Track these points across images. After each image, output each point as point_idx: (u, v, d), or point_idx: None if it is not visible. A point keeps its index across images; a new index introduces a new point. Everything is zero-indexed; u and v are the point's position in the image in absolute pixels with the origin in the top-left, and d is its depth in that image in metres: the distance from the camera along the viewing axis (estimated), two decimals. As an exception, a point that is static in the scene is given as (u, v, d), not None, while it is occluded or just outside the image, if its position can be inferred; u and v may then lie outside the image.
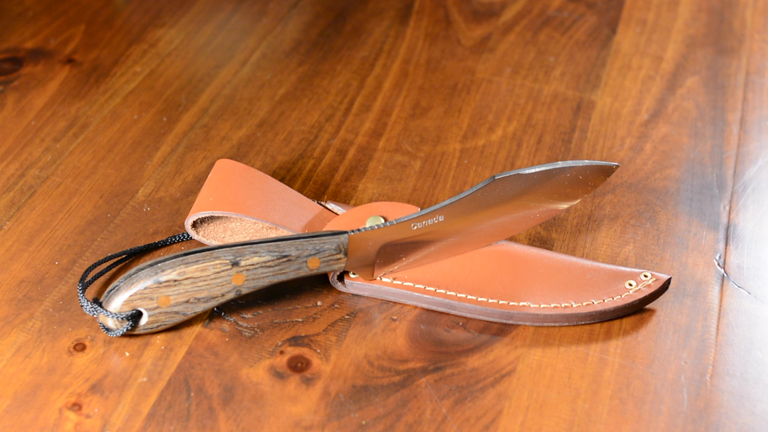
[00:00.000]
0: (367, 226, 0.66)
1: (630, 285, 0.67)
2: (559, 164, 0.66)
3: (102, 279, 0.70)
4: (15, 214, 0.74)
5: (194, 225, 0.70)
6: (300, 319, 0.67)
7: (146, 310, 0.64)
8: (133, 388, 0.62)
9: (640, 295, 0.67)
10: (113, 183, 0.78)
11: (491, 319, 0.67)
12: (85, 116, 0.84)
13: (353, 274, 0.68)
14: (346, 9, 0.99)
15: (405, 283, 0.68)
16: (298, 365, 0.64)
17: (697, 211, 0.76)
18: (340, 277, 0.68)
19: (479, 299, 0.67)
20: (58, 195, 0.76)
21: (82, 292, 0.65)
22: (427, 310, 0.68)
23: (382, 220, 0.68)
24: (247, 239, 0.71)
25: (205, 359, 0.64)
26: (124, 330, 0.64)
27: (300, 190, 0.77)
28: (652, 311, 0.68)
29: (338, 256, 0.65)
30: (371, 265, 0.67)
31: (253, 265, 0.64)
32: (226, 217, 0.71)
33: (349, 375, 0.64)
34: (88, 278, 0.68)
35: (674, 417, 0.62)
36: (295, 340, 0.66)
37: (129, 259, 0.71)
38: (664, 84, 0.90)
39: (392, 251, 0.67)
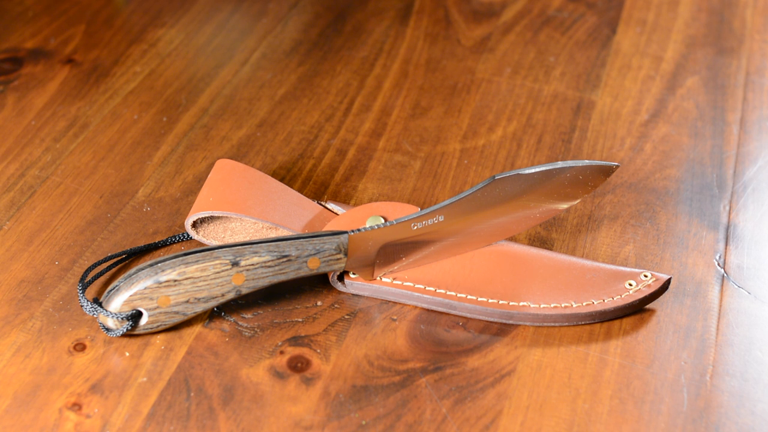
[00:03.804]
0: (367, 226, 0.66)
1: (630, 285, 0.67)
2: (559, 164, 0.66)
3: (102, 279, 0.70)
4: (15, 214, 0.74)
5: (194, 225, 0.70)
6: (300, 319, 0.67)
7: (146, 310, 0.64)
8: (133, 388, 0.62)
9: (640, 295, 0.67)
10: (113, 183, 0.78)
11: (491, 319, 0.67)
12: (85, 116, 0.84)
13: (353, 274, 0.68)
14: (346, 9, 0.99)
15: (405, 283, 0.68)
16: (298, 365, 0.64)
17: (697, 211, 0.76)
18: (340, 277, 0.68)
19: (479, 299, 0.67)
20: (58, 195, 0.76)
21: (82, 292, 0.65)
22: (427, 310, 0.68)
23: (382, 220, 0.68)
24: (247, 239, 0.71)
25: (205, 359, 0.64)
26: (124, 330, 0.64)
27: (300, 190, 0.77)
28: (652, 311, 0.68)
29: (338, 256, 0.65)
30: (371, 265, 0.67)
31: (253, 265, 0.64)
32: (226, 217, 0.71)
33: (349, 375, 0.64)
34: (88, 278, 0.68)
35: (674, 417, 0.62)
36: (295, 340, 0.66)
37: (129, 259, 0.71)
38: (664, 84, 0.90)
39: (392, 251, 0.67)
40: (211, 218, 0.71)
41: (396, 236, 0.66)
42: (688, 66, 0.92)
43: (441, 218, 0.66)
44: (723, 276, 0.71)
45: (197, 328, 0.66)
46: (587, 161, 0.67)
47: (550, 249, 0.72)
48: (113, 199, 0.76)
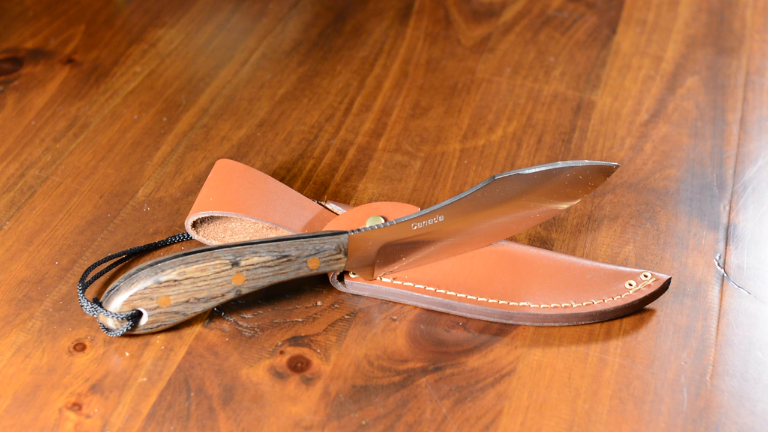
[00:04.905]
0: (367, 226, 0.66)
1: (630, 285, 0.67)
2: (559, 164, 0.66)
3: (102, 279, 0.70)
4: (15, 214, 0.74)
5: (194, 225, 0.70)
6: (300, 319, 0.67)
7: (146, 310, 0.64)
8: (133, 388, 0.62)
9: (640, 295, 0.67)
10: (113, 183, 0.78)
11: (491, 319, 0.67)
12: (85, 116, 0.84)
13: (353, 274, 0.68)
14: (346, 9, 0.99)
15: (405, 283, 0.68)
16: (298, 365, 0.64)
17: (697, 211, 0.76)
18: (340, 277, 0.68)
19: (479, 299, 0.67)
20: (58, 195, 0.76)
21: (82, 292, 0.65)
22: (427, 310, 0.68)
23: (382, 220, 0.68)
24: (247, 239, 0.71)
25: (205, 359, 0.64)
26: (124, 330, 0.64)
27: (300, 190, 0.77)
28: (652, 311, 0.68)
29: (338, 256, 0.65)
30: (371, 265, 0.67)
31: (253, 265, 0.64)
32: (226, 217, 0.71)
33: (349, 375, 0.64)
34: (88, 278, 0.68)
35: (674, 417, 0.62)
36: (295, 340, 0.66)
37: (129, 259, 0.71)
38: (664, 84, 0.90)
39: (392, 251, 0.67)
40: (211, 218, 0.71)
41: (396, 236, 0.66)
42: (688, 66, 0.92)
43: (441, 218, 0.66)
44: (723, 276, 0.71)
45: (197, 328, 0.66)
46: (587, 161, 0.67)
47: (550, 249, 0.72)
48: (113, 199, 0.76)
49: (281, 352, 0.65)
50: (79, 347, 0.65)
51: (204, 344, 0.65)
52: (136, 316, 0.64)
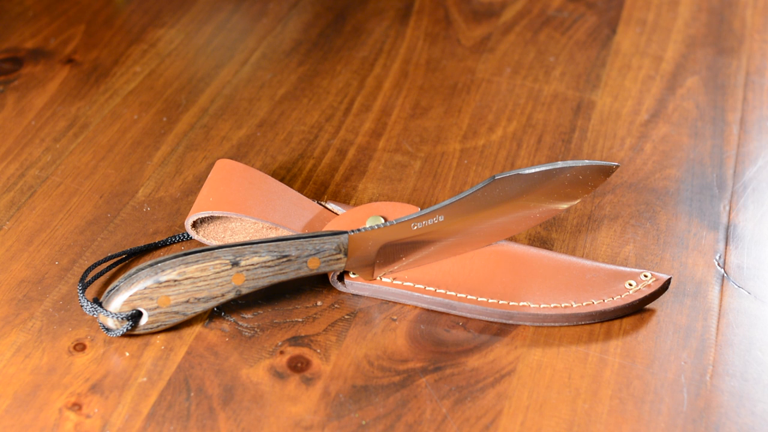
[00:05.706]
0: (367, 226, 0.66)
1: (630, 285, 0.67)
2: (559, 164, 0.66)
3: (102, 279, 0.70)
4: (15, 214, 0.74)
5: (194, 225, 0.70)
6: (300, 319, 0.67)
7: (146, 310, 0.64)
8: (133, 388, 0.62)
9: (640, 295, 0.67)
10: (113, 183, 0.78)
11: (491, 319, 0.67)
12: (85, 116, 0.84)
13: (353, 274, 0.68)
14: (346, 9, 0.99)
15: (405, 283, 0.68)
16: (298, 365, 0.64)
17: (697, 211, 0.76)
18: (340, 277, 0.68)
19: (479, 299, 0.67)
20: (58, 195, 0.76)
21: (82, 292, 0.65)
22: (427, 310, 0.68)
23: (382, 220, 0.68)
24: (247, 239, 0.71)
25: (205, 359, 0.64)
26: (124, 330, 0.64)
27: (300, 190, 0.77)
28: (652, 311, 0.68)
29: (338, 256, 0.65)
30: (371, 265, 0.67)
31: (253, 265, 0.64)
32: (226, 217, 0.71)
33: (349, 375, 0.64)
34: (88, 278, 0.68)
35: (674, 417, 0.62)
36: (295, 340, 0.66)
37: (129, 259, 0.71)
38: (664, 84, 0.90)
39: (392, 251, 0.67)
40: (211, 218, 0.71)
41: (396, 236, 0.66)
42: (688, 66, 0.92)
43: (441, 218, 0.66)
44: (723, 276, 0.71)
45: (197, 328, 0.66)
46: (587, 161, 0.67)
47: (550, 249, 0.72)
48: (113, 199, 0.76)
49: (281, 352, 0.65)
50: (79, 347, 0.65)
51: (204, 344, 0.65)
52: (136, 316, 0.64)
